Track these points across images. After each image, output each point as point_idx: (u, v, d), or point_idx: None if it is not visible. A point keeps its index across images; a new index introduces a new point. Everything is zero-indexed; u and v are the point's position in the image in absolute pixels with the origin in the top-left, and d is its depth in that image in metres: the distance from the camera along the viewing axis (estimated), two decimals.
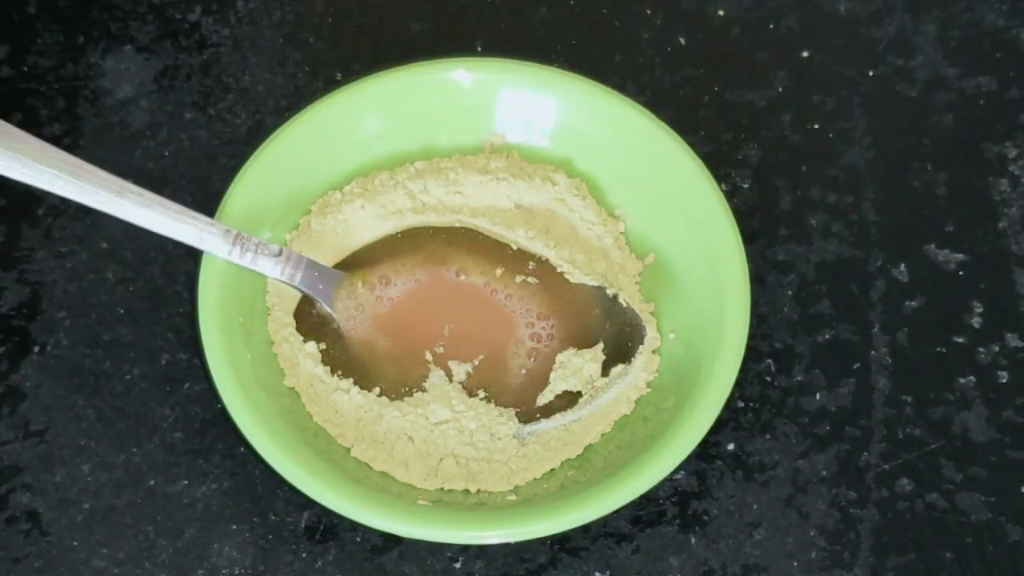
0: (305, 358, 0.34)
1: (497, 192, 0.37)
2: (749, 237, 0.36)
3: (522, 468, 0.32)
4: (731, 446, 0.35)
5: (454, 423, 0.33)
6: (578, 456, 0.33)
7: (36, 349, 0.36)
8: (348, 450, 0.32)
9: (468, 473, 0.32)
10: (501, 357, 0.35)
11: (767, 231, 0.39)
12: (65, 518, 0.33)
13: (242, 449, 0.34)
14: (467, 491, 0.32)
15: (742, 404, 0.36)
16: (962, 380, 0.36)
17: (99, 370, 0.36)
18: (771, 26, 0.44)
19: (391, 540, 0.33)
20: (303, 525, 0.33)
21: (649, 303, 0.35)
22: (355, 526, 0.33)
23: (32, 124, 0.41)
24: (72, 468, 0.34)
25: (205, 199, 0.39)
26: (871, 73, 0.43)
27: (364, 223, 0.36)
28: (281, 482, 0.30)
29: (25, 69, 0.43)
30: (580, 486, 0.31)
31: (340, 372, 0.34)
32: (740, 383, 0.33)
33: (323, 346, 0.34)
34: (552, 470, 0.33)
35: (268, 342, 0.34)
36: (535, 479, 0.32)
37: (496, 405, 0.33)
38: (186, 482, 0.34)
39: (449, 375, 0.34)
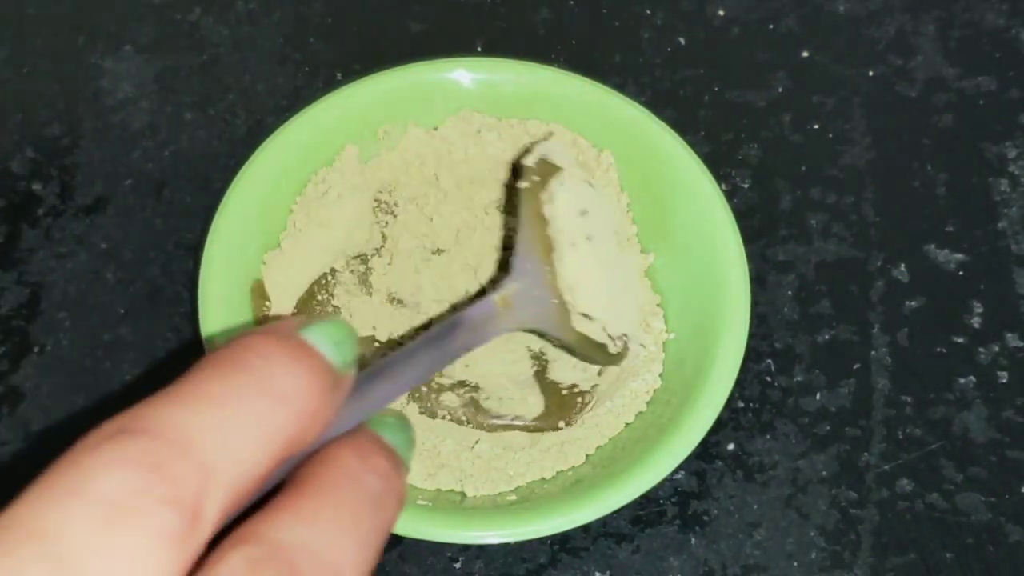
0: None
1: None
2: (749, 237, 0.36)
3: (520, 473, 0.32)
4: (731, 446, 0.35)
5: (455, 429, 0.33)
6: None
7: (36, 349, 0.36)
8: None
9: (468, 475, 0.32)
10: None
11: (767, 231, 0.39)
12: None
13: None
14: (466, 493, 0.32)
15: (742, 404, 0.36)
16: (962, 380, 0.36)
17: (99, 370, 0.36)
18: (771, 26, 0.44)
19: (391, 540, 0.33)
20: None
21: (656, 295, 0.35)
22: None
23: (32, 124, 0.41)
24: None
25: (205, 199, 0.39)
26: (871, 73, 0.43)
27: (343, 213, 0.36)
28: None
29: (25, 69, 0.43)
30: (580, 486, 0.31)
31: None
32: (740, 383, 0.33)
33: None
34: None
35: None
36: (535, 480, 0.32)
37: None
38: None
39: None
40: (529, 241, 0.29)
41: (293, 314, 0.24)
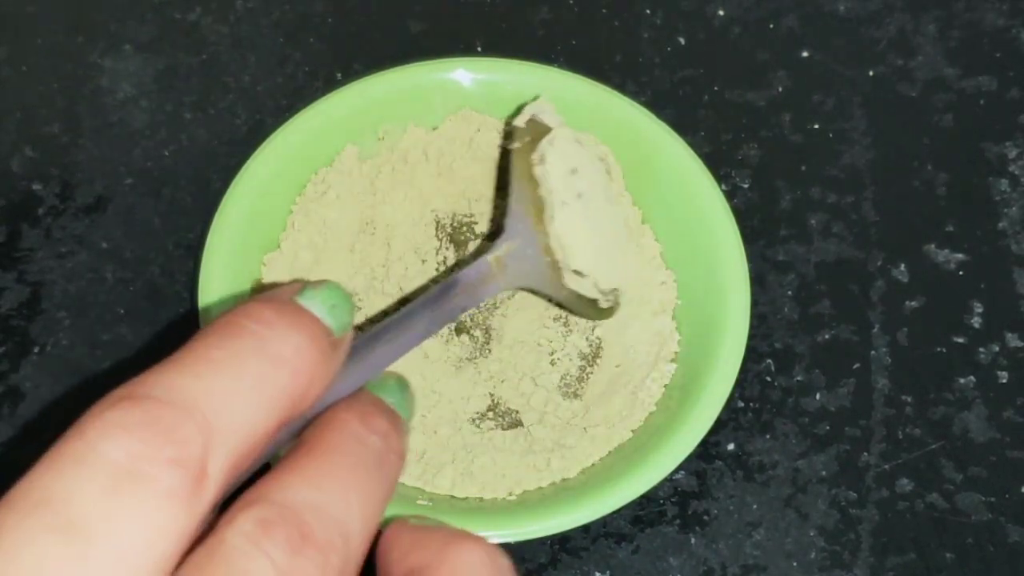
0: None
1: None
2: (749, 237, 0.36)
3: (518, 480, 0.32)
4: (731, 446, 0.35)
5: (455, 429, 0.33)
6: None
7: (36, 349, 0.36)
8: None
9: (469, 476, 0.32)
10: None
11: (767, 231, 0.39)
12: None
13: None
14: (466, 495, 0.32)
15: (742, 404, 0.36)
16: (962, 380, 0.36)
17: (99, 370, 0.36)
18: (771, 26, 0.44)
19: None
20: None
21: (668, 318, 0.35)
22: None
23: (32, 124, 0.41)
24: None
25: (205, 199, 0.39)
26: (871, 73, 0.43)
27: (343, 213, 0.36)
28: None
29: (25, 69, 0.43)
30: (580, 486, 0.31)
31: None
32: (740, 383, 0.33)
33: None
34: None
35: None
36: (542, 487, 0.32)
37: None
38: None
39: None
40: (521, 203, 0.30)
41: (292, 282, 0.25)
